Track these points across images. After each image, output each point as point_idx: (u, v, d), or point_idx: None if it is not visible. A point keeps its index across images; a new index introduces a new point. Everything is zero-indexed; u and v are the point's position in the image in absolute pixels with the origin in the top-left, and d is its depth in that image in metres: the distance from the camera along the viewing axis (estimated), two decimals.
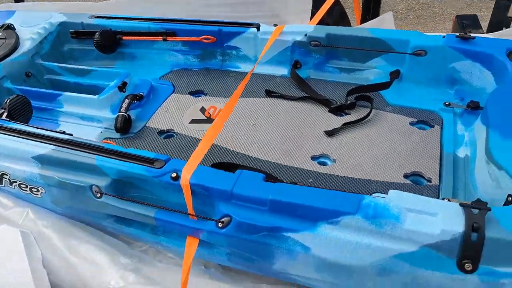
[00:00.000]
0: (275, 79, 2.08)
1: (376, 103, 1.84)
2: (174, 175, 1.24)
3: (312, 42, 1.98)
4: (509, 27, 2.29)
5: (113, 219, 1.49)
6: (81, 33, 2.26)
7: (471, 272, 1.03)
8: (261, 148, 1.67)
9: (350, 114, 1.81)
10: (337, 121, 1.77)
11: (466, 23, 2.52)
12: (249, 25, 2.10)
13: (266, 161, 1.61)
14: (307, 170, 1.55)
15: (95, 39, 2.15)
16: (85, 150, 1.37)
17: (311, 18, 2.40)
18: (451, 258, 1.04)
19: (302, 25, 2.05)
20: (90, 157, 1.35)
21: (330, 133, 1.70)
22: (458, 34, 1.75)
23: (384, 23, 2.61)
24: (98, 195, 1.37)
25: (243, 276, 1.42)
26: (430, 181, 1.46)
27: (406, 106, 1.82)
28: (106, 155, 1.34)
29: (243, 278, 1.41)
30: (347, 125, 1.72)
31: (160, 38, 2.19)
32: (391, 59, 1.91)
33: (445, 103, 1.75)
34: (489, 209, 1.03)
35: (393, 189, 1.40)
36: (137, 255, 1.52)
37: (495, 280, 1.02)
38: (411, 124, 1.72)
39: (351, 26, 2.79)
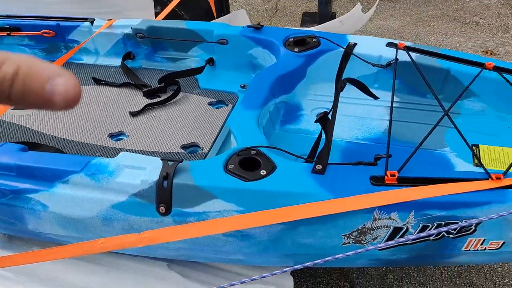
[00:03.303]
0: (109, 69, 2.25)
1: (188, 87, 2.05)
2: None
3: (137, 34, 2.17)
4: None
5: None
6: None
7: (165, 214, 1.23)
8: (68, 128, 1.83)
9: (161, 97, 2.01)
10: (146, 103, 1.96)
11: (307, 19, 2.79)
12: (84, 19, 2.26)
13: (68, 139, 1.77)
14: (100, 145, 1.73)
15: None
16: None
17: (156, 15, 2.60)
18: (151, 204, 1.24)
19: (132, 19, 2.24)
20: None
21: (134, 114, 1.89)
22: (250, 24, 1.98)
23: (237, 18, 2.84)
24: None
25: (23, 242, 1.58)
26: (203, 149, 1.68)
27: (213, 89, 2.03)
28: None
29: (23, 244, 1.57)
30: (149, 106, 1.91)
31: (5, 33, 2.32)
32: (205, 48, 2.12)
33: (240, 85, 1.98)
34: (181, 161, 1.24)
35: (169, 157, 1.61)
36: None
37: (184, 219, 1.22)
38: (210, 104, 1.94)
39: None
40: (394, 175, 1.13)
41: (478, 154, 1.48)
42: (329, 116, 1.40)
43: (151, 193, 1.23)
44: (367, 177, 1.16)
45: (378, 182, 1.14)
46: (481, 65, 1.64)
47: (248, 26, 1.98)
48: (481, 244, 1.17)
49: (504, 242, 1.16)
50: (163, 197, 1.22)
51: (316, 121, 1.40)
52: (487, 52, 3.65)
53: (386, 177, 1.14)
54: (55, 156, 1.36)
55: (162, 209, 1.22)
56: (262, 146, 1.29)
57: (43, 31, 2.29)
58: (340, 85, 1.53)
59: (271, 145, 1.34)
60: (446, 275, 1.97)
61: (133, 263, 1.44)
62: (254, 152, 1.28)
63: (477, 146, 1.52)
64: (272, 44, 1.92)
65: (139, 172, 1.25)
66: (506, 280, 1.91)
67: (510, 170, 1.14)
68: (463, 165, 1.45)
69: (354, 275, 1.99)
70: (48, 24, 2.28)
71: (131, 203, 1.25)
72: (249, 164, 1.25)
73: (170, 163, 1.23)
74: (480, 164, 1.18)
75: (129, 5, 2.46)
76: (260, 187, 1.17)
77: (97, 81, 2.14)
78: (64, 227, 1.35)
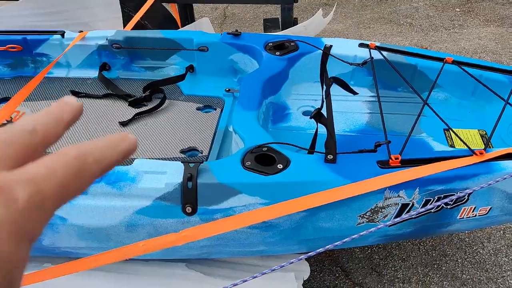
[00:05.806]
0: (86, 82, 2.22)
1: (172, 94, 2.09)
2: None
3: (113, 45, 2.17)
4: (296, 24, 2.72)
5: None
6: None
7: (192, 214, 1.28)
8: (60, 143, 1.79)
9: (147, 105, 2.03)
10: (134, 113, 1.97)
11: (269, 25, 2.93)
12: (54, 32, 2.21)
13: None
14: None
15: None
16: None
17: (124, 25, 2.59)
18: (177, 205, 1.29)
19: (105, 30, 2.23)
20: None
21: (124, 124, 1.90)
22: (229, 32, 2.07)
23: (202, 26, 2.91)
24: None
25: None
26: (202, 153, 1.73)
27: (197, 94, 2.09)
28: None
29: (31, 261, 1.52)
30: (139, 115, 1.93)
31: None
32: (185, 56, 2.17)
33: (225, 89, 2.06)
34: (202, 162, 1.30)
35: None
36: None
37: (210, 217, 1.29)
38: (198, 109, 2.00)
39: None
40: (397, 158, 1.29)
41: (451, 137, 1.70)
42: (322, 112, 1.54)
43: (176, 195, 1.27)
44: (374, 162, 1.30)
45: (385, 165, 1.29)
46: (441, 59, 1.87)
47: (227, 33, 2.07)
48: (472, 212, 1.36)
49: (490, 208, 1.36)
50: (189, 198, 1.27)
51: (311, 117, 1.53)
52: None
53: (390, 160, 1.29)
54: None
55: (189, 209, 1.28)
56: (273, 143, 1.39)
57: (8, 46, 2.20)
58: (327, 83, 1.67)
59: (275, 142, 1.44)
60: (423, 250, 2.18)
61: (152, 268, 1.46)
62: (266, 148, 1.38)
63: (448, 130, 1.75)
64: (253, 49, 2.02)
65: (160, 176, 1.29)
66: (474, 248, 2.17)
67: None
68: (440, 147, 1.66)
69: (344, 259, 2.14)
70: (14, 38, 2.20)
71: (156, 206, 1.28)
72: (263, 160, 1.34)
73: (191, 164, 1.29)
74: (465, 145, 1.37)
75: (96, 17, 2.43)
76: (282, 180, 1.27)
77: (76, 94, 2.10)
78: (84, 238, 1.35)
